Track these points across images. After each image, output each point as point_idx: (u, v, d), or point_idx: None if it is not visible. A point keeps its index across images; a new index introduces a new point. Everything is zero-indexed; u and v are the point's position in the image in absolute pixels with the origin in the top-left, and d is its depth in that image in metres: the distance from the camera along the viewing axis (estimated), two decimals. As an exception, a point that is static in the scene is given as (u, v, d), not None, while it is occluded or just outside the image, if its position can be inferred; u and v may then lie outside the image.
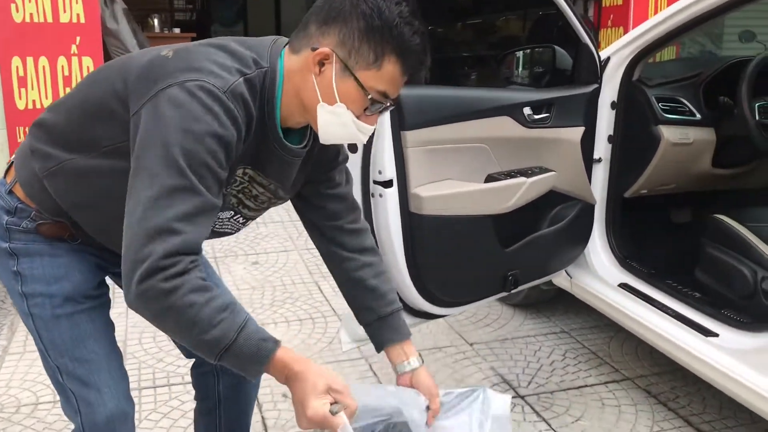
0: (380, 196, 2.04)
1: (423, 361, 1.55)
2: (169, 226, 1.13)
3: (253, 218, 1.49)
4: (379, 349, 1.59)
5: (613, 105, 2.62)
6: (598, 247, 2.74)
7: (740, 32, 4.29)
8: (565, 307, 3.37)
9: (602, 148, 2.65)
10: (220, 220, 1.41)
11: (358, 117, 1.30)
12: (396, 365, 1.55)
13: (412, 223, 2.08)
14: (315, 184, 1.53)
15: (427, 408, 1.47)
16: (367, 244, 1.61)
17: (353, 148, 2.00)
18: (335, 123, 1.29)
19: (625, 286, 2.63)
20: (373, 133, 1.96)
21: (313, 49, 1.25)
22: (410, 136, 2.01)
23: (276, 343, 1.22)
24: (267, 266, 3.96)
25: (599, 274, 2.71)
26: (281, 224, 4.64)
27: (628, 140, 2.64)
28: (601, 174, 2.68)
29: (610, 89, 2.60)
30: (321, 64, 1.26)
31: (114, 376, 1.43)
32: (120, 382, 1.44)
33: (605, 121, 2.62)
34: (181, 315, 1.14)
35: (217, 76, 1.21)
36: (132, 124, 1.21)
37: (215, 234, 1.46)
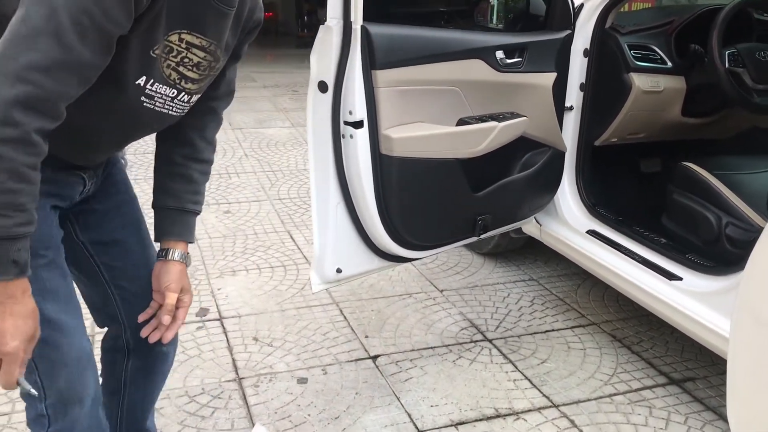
0: (351, 137, 2.02)
1: (187, 264, 1.52)
2: (21, 73, 1.05)
3: (197, 94, 1.37)
4: (158, 239, 1.53)
5: (586, 52, 2.62)
6: (567, 194, 2.77)
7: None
8: (534, 256, 3.41)
9: (574, 96, 2.66)
10: (161, 98, 1.29)
11: None
12: (161, 250, 1.51)
13: (383, 164, 2.07)
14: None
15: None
16: (212, 157, 1.56)
17: (323, 87, 1.98)
18: None
19: (593, 233, 2.67)
20: (343, 73, 1.97)
21: None
22: (381, 76, 1.99)
23: (20, 274, 1.13)
24: (239, 215, 3.94)
25: (568, 222, 2.74)
26: (253, 174, 4.60)
27: (600, 88, 2.65)
28: (572, 122, 2.70)
29: (582, 36, 2.60)
30: None
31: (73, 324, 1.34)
32: (81, 330, 1.37)
33: (577, 68, 2.63)
34: None
35: None
36: None
37: (157, 115, 1.32)
